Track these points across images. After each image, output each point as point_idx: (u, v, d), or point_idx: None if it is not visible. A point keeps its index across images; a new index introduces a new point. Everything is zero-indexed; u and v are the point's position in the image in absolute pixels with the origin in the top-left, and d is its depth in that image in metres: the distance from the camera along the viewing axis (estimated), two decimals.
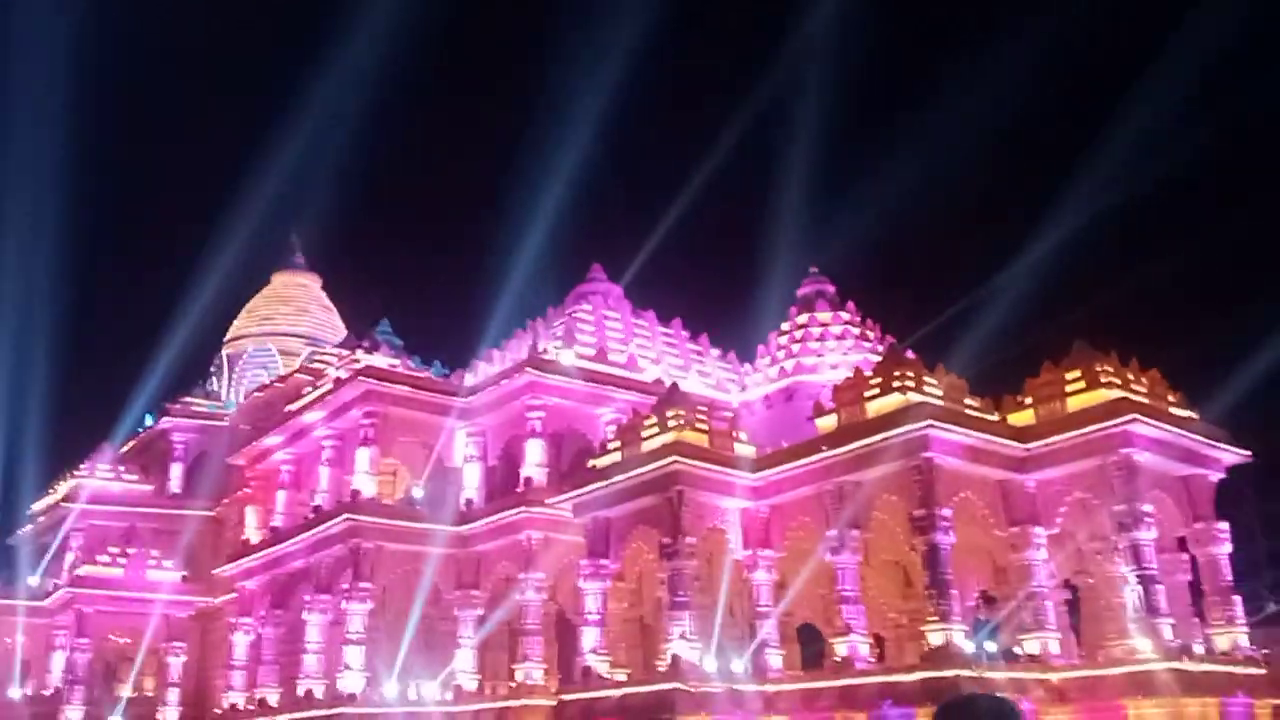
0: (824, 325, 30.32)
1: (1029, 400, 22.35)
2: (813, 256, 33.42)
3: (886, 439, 21.03)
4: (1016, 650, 20.98)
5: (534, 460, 27.84)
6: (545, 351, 29.56)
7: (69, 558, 38.06)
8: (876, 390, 22.01)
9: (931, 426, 20.57)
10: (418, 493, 30.03)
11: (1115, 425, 20.46)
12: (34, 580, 39.99)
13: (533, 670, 25.98)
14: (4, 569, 42.44)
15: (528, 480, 27.49)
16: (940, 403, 21.43)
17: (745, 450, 24.15)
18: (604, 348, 30.61)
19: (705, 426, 23.76)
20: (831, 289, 31.66)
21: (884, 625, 26.59)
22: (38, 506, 43.53)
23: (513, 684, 26.38)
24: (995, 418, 22.29)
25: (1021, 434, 21.82)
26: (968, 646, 20.09)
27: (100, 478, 39.72)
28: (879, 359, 24.77)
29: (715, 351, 34.54)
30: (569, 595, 26.73)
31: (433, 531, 28.61)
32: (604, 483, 23.89)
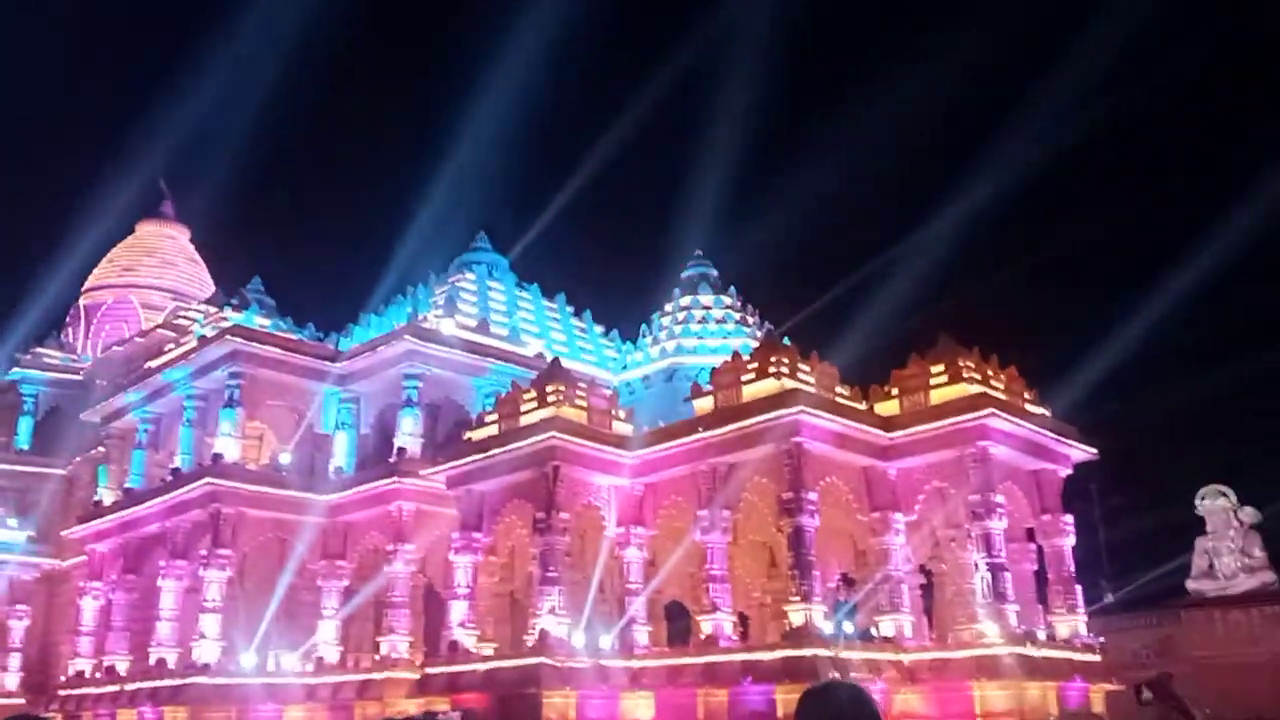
0: (706, 308, 30.70)
1: (895, 391, 23.16)
2: (698, 240, 33.80)
3: (760, 423, 21.49)
4: (872, 631, 21.82)
5: (408, 430, 27.36)
6: (425, 320, 29.02)
7: None
8: (753, 375, 22.43)
9: (803, 413, 21.12)
10: (285, 458, 29.14)
11: (974, 419, 21.40)
12: None
13: (398, 643, 25.65)
14: None
15: (401, 450, 27.01)
16: (812, 390, 22.01)
17: (624, 428, 24.30)
18: (486, 319, 30.26)
19: (585, 403, 23.79)
20: (715, 273, 32.08)
21: (749, 604, 27.24)
22: None
23: (377, 656, 26.01)
24: (863, 406, 23.03)
25: (887, 423, 22.60)
26: (826, 627, 20.78)
27: None
28: (757, 344, 25.23)
29: (598, 329, 34.57)
30: (439, 568, 26.46)
31: (299, 499, 27.84)
32: (480, 455, 23.69)
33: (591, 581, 25.65)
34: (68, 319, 45.96)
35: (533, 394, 23.82)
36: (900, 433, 22.42)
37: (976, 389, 21.96)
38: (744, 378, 22.56)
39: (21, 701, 32.46)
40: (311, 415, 29.43)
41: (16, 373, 39.46)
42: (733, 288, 31.75)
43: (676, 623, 26.65)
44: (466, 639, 23.31)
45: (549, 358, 27.13)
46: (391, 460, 26.99)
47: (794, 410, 21.08)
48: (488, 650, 23.72)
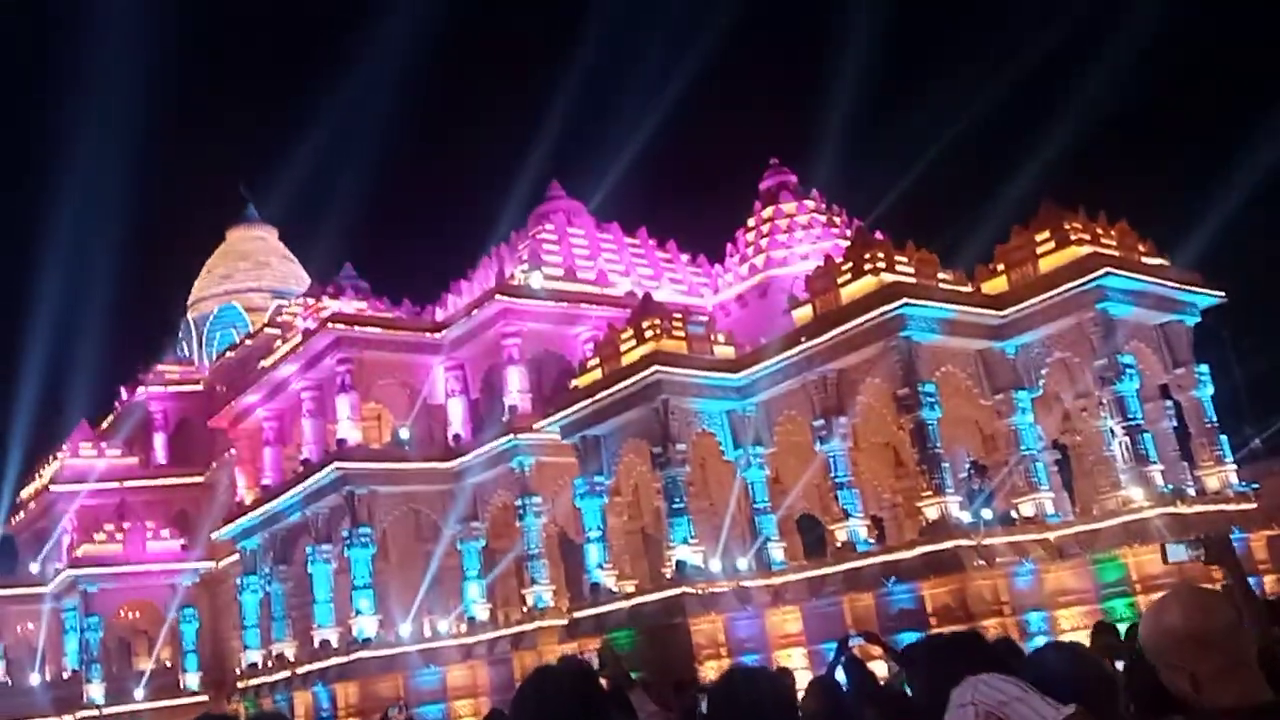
0: (790, 216, 29.94)
1: (1000, 267, 22.24)
2: (771, 149, 32.80)
3: (863, 323, 20.95)
4: (1013, 514, 21.28)
5: (515, 387, 27.65)
6: (513, 277, 29.11)
7: (65, 540, 37.92)
8: (849, 275, 21.82)
9: (907, 304, 20.48)
10: (404, 433, 29.85)
11: (1088, 281, 20.40)
12: (35, 567, 39.93)
13: (542, 592, 26.25)
14: (5, 560, 42.40)
15: (512, 408, 27.34)
16: (913, 280, 21.30)
17: (725, 351, 24.04)
18: (572, 266, 30.17)
19: (682, 333, 23.59)
20: (794, 179, 31.18)
21: (880, 507, 26.93)
22: (26, 493, 43.22)
23: (524, 609, 26.69)
24: (969, 288, 22.20)
25: (996, 301, 21.75)
26: (964, 517, 20.35)
27: (83, 457, 39.38)
28: (848, 244, 24.52)
29: (684, 257, 34.13)
30: (568, 515, 26.88)
31: (424, 470, 28.54)
32: (588, 401, 23.78)
33: (718, 507, 25.75)
34: (180, 333, 47.85)
35: (629, 332, 23.71)
36: (1012, 309, 21.55)
37: (1087, 250, 20.90)
38: (840, 279, 21.97)
39: (205, 698, 34.57)
40: (422, 388, 30.00)
41: (142, 392, 41.34)
42: (814, 191, 30.87)
43: (809, 535, 26.56)
44: (606, 579, 23.69)
45: (639, 295, 26.93)
46: (504, 419, 27.37)
47: (897, 304, 20.45)
48: (629, 588, 24.08)
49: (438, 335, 29.76)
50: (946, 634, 3.25)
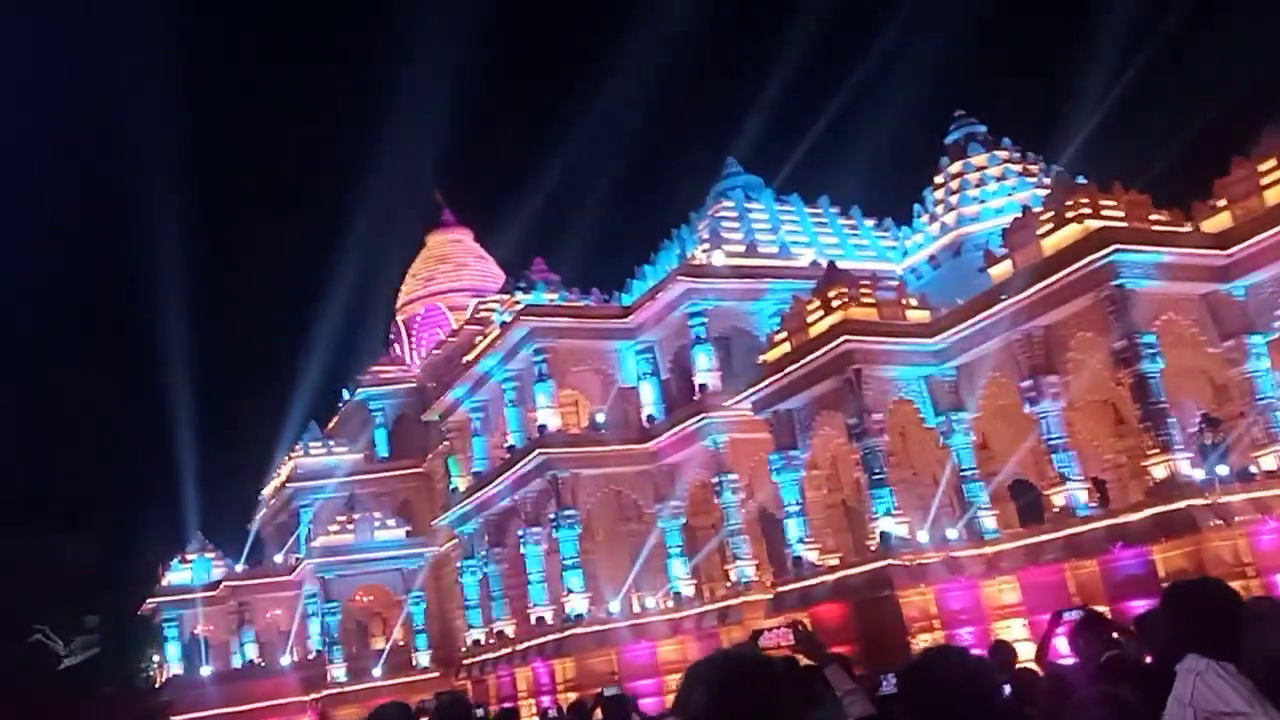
0: (980, 169, 28.51)
1: (1222, 203, 20.34)
2: (955, 100, 31.22)
3: (1070, 273, 19.67)
4: (1251, 469, 19.50)
5: (704, 366, 27.77)
6: (694, 257, 29.20)
7: (303, 532, 41.20)
8: (1050, 225, 20.55)
9: (1118, 250, 19.06)
10: (600, 418, 30.60)
11: None
12: (279, 558, 43.65)
13: (745, 568, 26.32)
14: (252, 552, 46.59)
15: (702, 387, 27.48)
16: (1123, 224, 19.81)
17: (919, 315, 23.22)
18: (753, 241, 29.95)
19: (871, 300, 22.95)
20: (982, 129, 29.66)
21: (1102, 468, 25.29)
22: (266, 491, 47.27)
23: (728, 584, 26.84)
24: (1188, 229, 20.45)
25: (1220, 240, 19.92)
26: (1196, 474, 18.82)
27: (314, 455, 42.59)
28: (1047, 192, 23.10)
29: (869, 222, 33.20)
30: (767, 491, 26.77)
31: (621, 452, 29.17)
32: (778, 375, 23.56)
33: (922, 477, 24.96)
34: (392, 335, 50.90)
35: (816, 303, 23.29)
36: (1239, 247, 19.67)
37: None
38: (1040, 230, 20.72)
39: (436, 674, 36.81)
40: (614, 372, 30.63)
41: (363, 393, 44.28)
42: (1006, 139, 29.26)
43: (1022, 500, 25.33)
44: (809, 554, 23.46)
45: (824, 264, 26.40)
46: (695, 398, 27.55)
47: (1106, 251, 19.07)
48: (833, 561, 23.76)
49: (626, 320, 30.27)
50: (1183, 584, 2.95)
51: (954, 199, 28.40)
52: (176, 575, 42.09)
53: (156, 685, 44.19)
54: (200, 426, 45.64)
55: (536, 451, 28.92)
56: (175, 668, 41.03)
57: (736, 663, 2.65)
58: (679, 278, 28.12)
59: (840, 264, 25.57)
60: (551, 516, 28.79)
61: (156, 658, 47.94)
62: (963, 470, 22.52)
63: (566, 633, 27.74)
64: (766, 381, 23.91)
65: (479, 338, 34.67)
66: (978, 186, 28.10)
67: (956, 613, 20.78)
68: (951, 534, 22.17)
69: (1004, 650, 8.47)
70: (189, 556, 42.56)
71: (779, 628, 3.82)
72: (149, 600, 42.62)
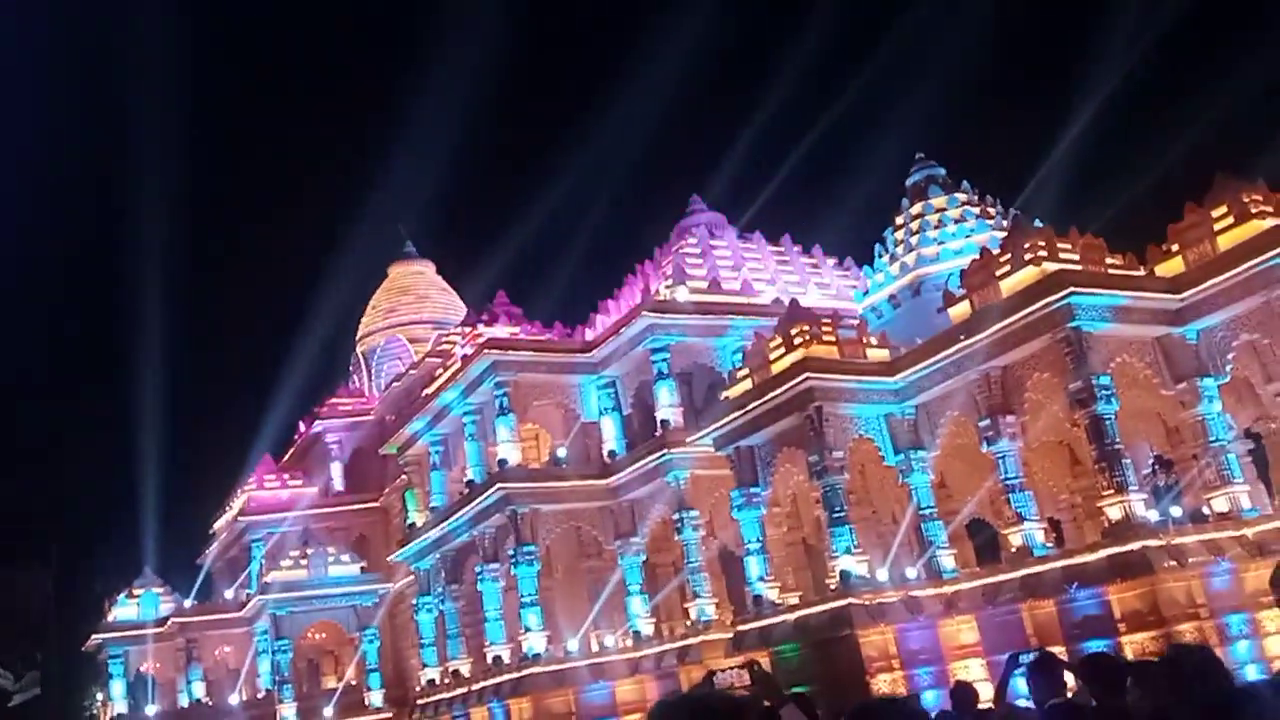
0: (940, 210, 28.91)
1: (1175, 247, 20.77)
2: (916, 144, 31.75)
3: (1028, 315, 19.94)
4: (1204, 511, 19.77)
5: (666, 402, 27.72)
6: (657, 293, 29.25)
7: (254, 567, 40.35)
8: (1008, 266, 20.85)
9: (1073, 293, 19.36)
10: (561, 453, 30.38)
11: (1276, 256, 18.79)
12: (229, 594, 42.67)
13: (705, 606, 26.14)
14: (202, 587, 45.49)
15: (664, 423, 27.42)
16: (1079, 267, 20.15)
17: (879, 354, 23.38)
18: (716, 278, 30.08)
19: (833, 338, 23.08)
20: (942, 172, 30.09)
21: (1057, 508, 25.55)
22: (218, 525, 46.30)
23: (688, 623, 26.61)
24: (1142, 272, 20.85)
25: (1173, 285, 20.32)
26: (1151, 515, 19.04)
27: (268, 488, 41.87)
28: (1005, 234, 23.47)
29: (830, 260, 33.52)
30: (726, 527, 26.68)
31: (582, 488, 28.94)
32: (739, 412, 23.56)
33: (881, 515, 25.01)
34: (350, 367, 50.34)
35: (778, 340, 23.38)
36: (1191, 291, 20.07)
37: (1270, 222, 19.29)
38: (999, 272, 21.01)
39: (389, 715, 36.07)
40: (576, 407, 30.48)
41: (319, 425, 43.65)
42: (965, 183, 29.74)
43: (979, 539, 25.46)
44: (769, 592, 23.35)
45: (786, 301, 26.55)
46: (657, 434, 27.46)
47: (1062, 294, 19.37)
48: (793, 599, 23.67)
49: (588, 355, 30.18)
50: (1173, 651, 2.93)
51: (914, 239, 28.75)
52: (123, 610, 41.00)
53: None
54: (155, 457, 44.73)
55: (496, 486, 28.63)
56: (120, 706, 39.84)
57: (704, 704, 2.61)
58: (642, 313, 28.13)
59: (802, 302, 25.74)
60: (510, 552, 28.45)
61: (100, 696, 46.52)
62: (921, 509, 22.58)
63: (524, 672, 27.32)
64: (728, 418, 23.90)
65: (440, 370, 34.39)
66: (937, 228, 28.49)
67: (915, 652, 20.73)
68: (910, 573, 22.19)
69: (965, 691, 8.44)
70: (136, 591, 41.50)
71: (734, 668, 3.75)
72: (94, 636, 41.43)
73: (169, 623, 40.07)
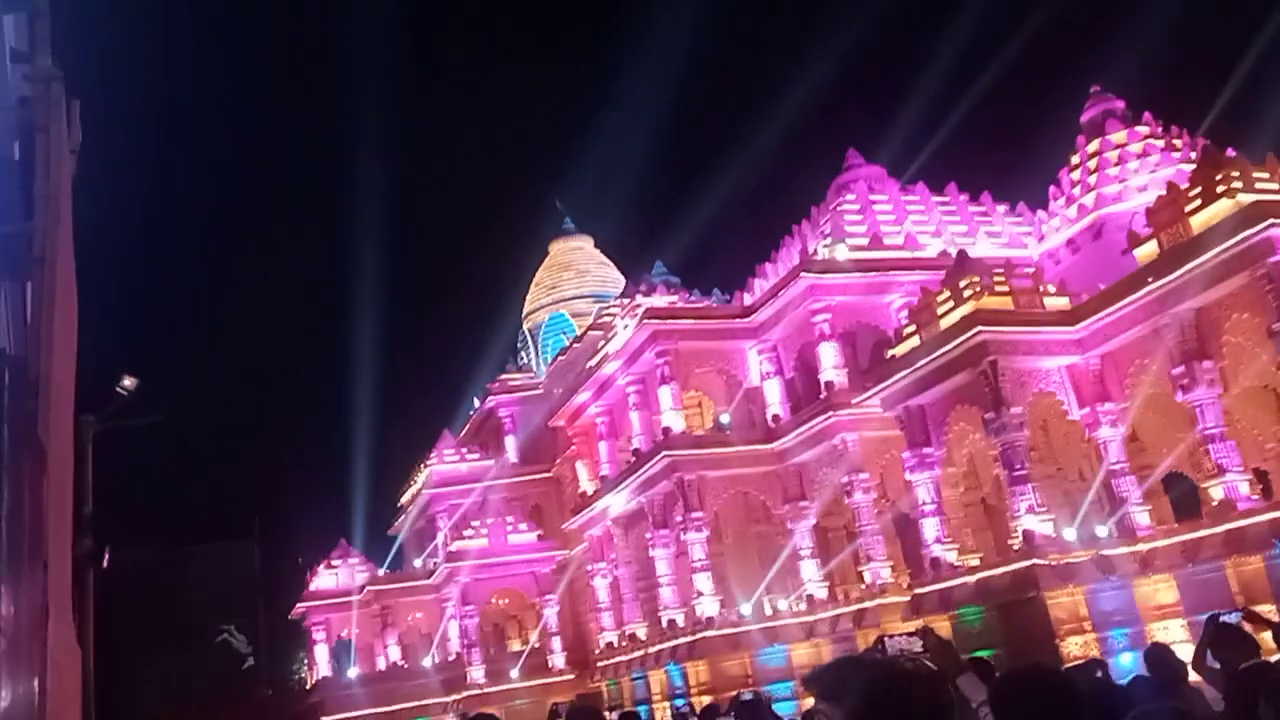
0: (1120, 146, 27.01)
1: None
2: (1090, 76, 29.69)
3: (1222, 252, 18.42)
4: None
5: (830, 363, 27.18)
6: (815, 252, 28.65)
7: (440, 537, 42.30)
8: (1198, 201, 19.30)
9: (1273, 225, 17.73)
10: (725, 419, 30.34)
11: None
12: (418, 563, 44.94)
13: (880, 569, 25.64)
14: (394, 557, 48.16)
15: (829, 384, 26.91)
16: (1278, 198, 18.42)
17: (1058, 302, 22.17)
18: (877, 233, 29.18)
19: (1006, 287, 22.02)
20: (1120, 104, 28.09)
21: (1264, 458, 23.58)
22: (404, 499, 48.76)
23: (863, 586, 26.18)
24: None
25: None
26: None
27: (448, 462, 43.68)
28: (1194, 167, 21.70)
29: (1001, 207, 31.94)
30: (899, 489, 26.01)
31: (747, 453, 28.82)
32: (907, 370, 22.85)
33: (1067, 472, 23.82)
34: (519, 343, 51.86)
35: (945, 294, 22.48)
36: None
37: None
38: (1188, 207, 19.48)
39: (571, 677, 37.19)
40: (738, 372, 30.32)
41: (491, 400, 45.20)
42: (1146, 114, 27.64)
43: (1176, 494, 23.86)
44: (946, 554, 22.66)
45: (953, 253, 25.48)
46: (822, 396, 26.99)
47: (1261, 226, 17.78)
48: (973, 561, 22.90)
49: (748, 320, 29.92)
50: None
51: (1092, 179, 27.00)
52: (323, 580, 43.81)
53: (308, 687, 46.10)
54: (343, 434, 47.52)
55: (662, 454, 28.87)
56: (324, 669, 42.70)
57: (890, 672, 2.62)
58: (801, 274, 27.62)
59: (972, 252, 24.67)
60: (679, 519, 28.68)
61: (305, 659, 50.07)
62: (1111, 464, 21.34)
63: (698, 635, 27.57)
64: (896, 377, 23.22)
65: (602, 343, 34.90)
66: (1118, 164, 26.64)
67: (1109, 614, 19.69)
68: (1101, 531, 21.05)
69: (1160, 653, 7.90)
70: (334, 562, 44.24)
71: (906, 634, 3.60)
72: (298, 605, 44.51)
73: (365, 591, 42.56)
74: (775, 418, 28.95)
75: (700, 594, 27.92)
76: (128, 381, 10.65)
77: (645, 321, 30.10)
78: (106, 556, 10.05)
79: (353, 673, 41.92)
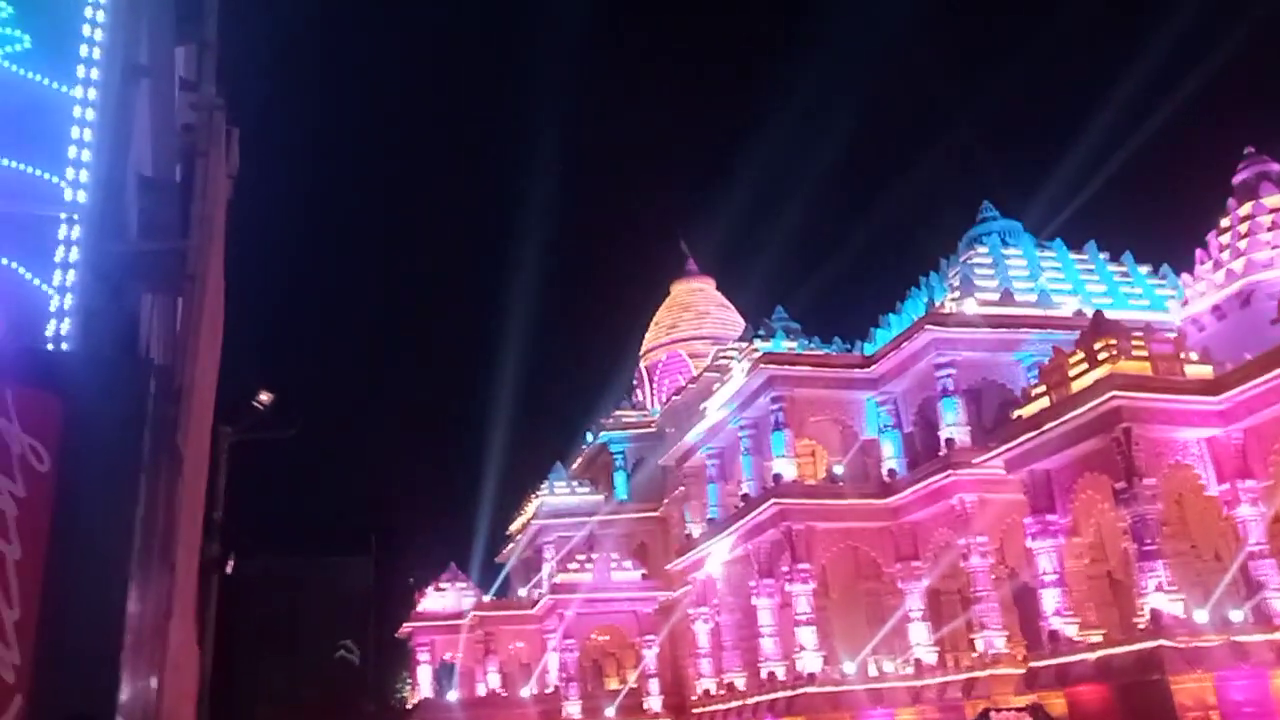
0: (1274, 210, 25.62)
1: None
2: (1239, 138, 28.25)
3: None
4: None
5: (951, 420, 26.43)
6: (942, 305, 28.02)
7: (546, 568, 42.64)
8: None
9: None
10: (839, 470, 29.80)
11: None
12: (523, 591, 45.37)
13: (993, 638, 24.63)
14: (501, 585, 48.74)
15: (949, 441, 26.15)
16: None
17: (1200, 371, 21.07)
18: (1008, 288, 28.38)
19: (1144, 352, 21.05)
20: (1276, 167, 26.69)
21: None
22: (514, 527, 49.43)
23: (974, 654, 25.16)
24: None
25: None
26: None
27: (559, 494, 44.13)
28: None
29: (1143, 269, 30.68)
30: (1019, 556, 24.99)
31: (860, 506, 28.22)
32: (1035, 432, 22.00)
33: (1201, 550, 22.48)
34: (634, 381, 52.22)
35: (1079, 355, 21.63)
36: None
37: None
38: None
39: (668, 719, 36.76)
40: (854, 423, 29.79)
41: (604, 435, 45.55)
42: None
43: None
44: (1066, 628, 21.58)
45: (1089, 313, 24.53)
46: (941, 454, 26.24)
47: None
48: (1095, 637, 21.73)
49: (868, 370, 29.42)
50: None
51: (1243, 244, 25.66)
52: (431, 601, 44.64)
53: (409, 705, 46.88)
54: (461, 459, 48.50)
55: (771, 501, 28.51)
56: (425, 690, 43.36)
57: None
58: (926, 326, 27.05)
59: (1109, 314, 23.69)
60: (785, 569, 28.20)
61: (409, 678, 50.96)
62: (1250, 545, 20.02)
63: (798, 690, 26.93)
64: (1022, 438, 22.40)
65: (717, 385, 34.82)
66: (1270, 230, 25.26)
67: (1239, 704, 18.40)
68: (1236, 616, 19.71)
69: None
70: (443, 584, 45.04)
71: (1015, 709, 3.41)
72: (405, 624, 45.44)
73: (470, 615, 43.16)
74: (891, 472, 28.28)
75: (803, 648, 27.32)
76: (264, 396, 11.18)
77: (762, 366, 29.92)
78: (231, 563, 10.47)
79: (453, 696, 42.46)
